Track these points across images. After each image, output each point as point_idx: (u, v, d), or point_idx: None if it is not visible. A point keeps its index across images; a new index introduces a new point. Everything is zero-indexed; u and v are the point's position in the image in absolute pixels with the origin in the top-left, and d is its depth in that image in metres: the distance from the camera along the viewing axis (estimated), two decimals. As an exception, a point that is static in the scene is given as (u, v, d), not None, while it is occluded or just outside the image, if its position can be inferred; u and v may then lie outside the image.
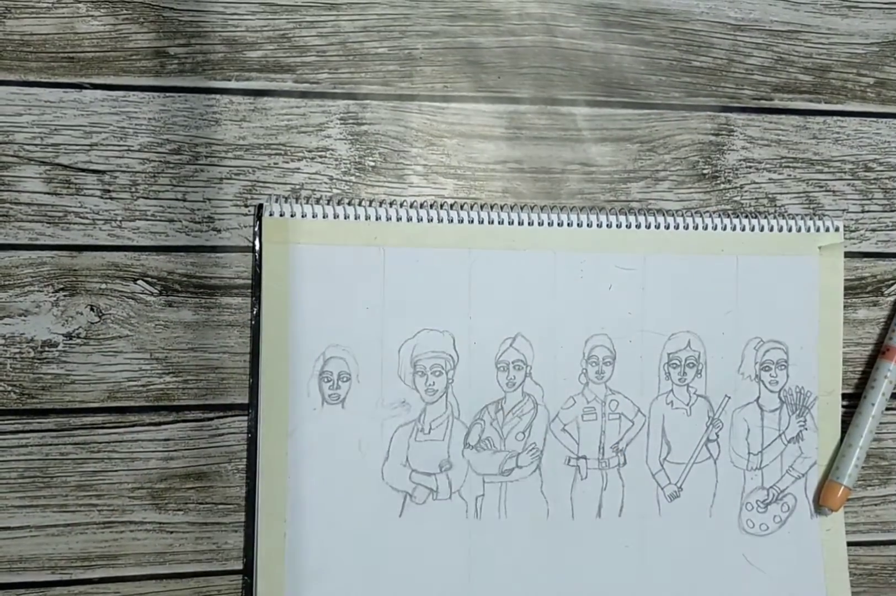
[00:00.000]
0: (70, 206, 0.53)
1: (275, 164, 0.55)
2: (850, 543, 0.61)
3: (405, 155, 0.57)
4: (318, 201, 0.55)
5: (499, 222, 0.56)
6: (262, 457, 0.54)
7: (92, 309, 0.53)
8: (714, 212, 0.60)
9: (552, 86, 0.58)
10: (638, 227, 0.58)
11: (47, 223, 0.53)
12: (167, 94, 0.54)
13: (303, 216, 0.54)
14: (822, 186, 0.61)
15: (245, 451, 0.55)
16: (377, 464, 0.55)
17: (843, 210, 0.62)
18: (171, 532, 0.54)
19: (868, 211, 0.62)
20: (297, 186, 0.55)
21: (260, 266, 0.54)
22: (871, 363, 0.62)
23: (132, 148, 0.54)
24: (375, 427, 0.55)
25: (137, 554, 0.54)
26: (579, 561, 0.57)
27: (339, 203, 0.55)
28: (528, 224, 0.57)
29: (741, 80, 0.60)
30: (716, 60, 0.60)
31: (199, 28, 0.55)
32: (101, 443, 0.54)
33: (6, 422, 0.53)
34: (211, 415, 0.55)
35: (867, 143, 0.62)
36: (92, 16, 0.54)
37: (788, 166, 0.61)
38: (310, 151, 0.56)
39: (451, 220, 0.56)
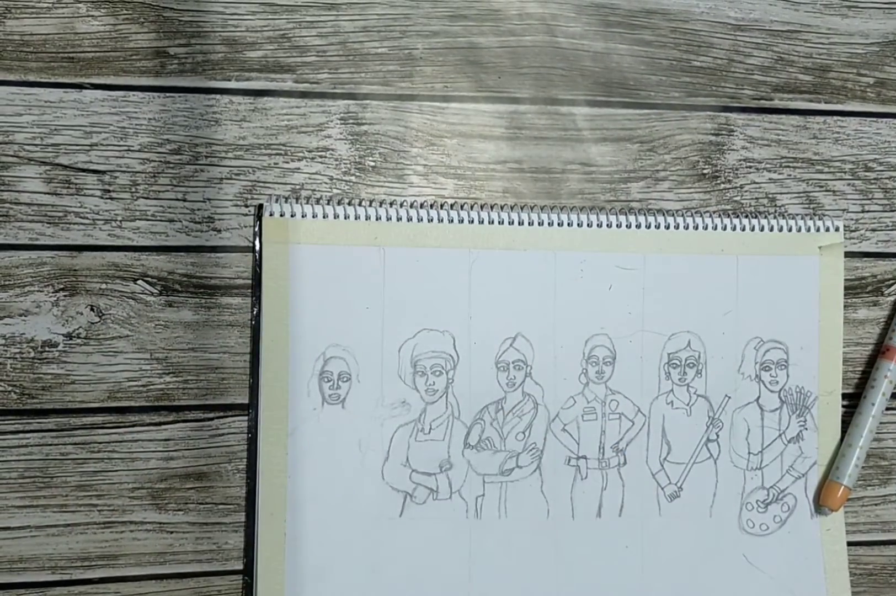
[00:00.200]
0: (70, 207, 0.53)
1: (275, 164, 0.55)
2: (850, 543, 0.61)
3: (405, 155, 0.57)
4: (318, 201, 0.55)
5: (499, 222, 0.56)
6: (262, 457, 0.54)
7: (92, 309, 0.53)
8: (714, 212, 0.60)
9: (552, 86, 0.58)
10: (638, 227, 0.58)
11: (47, 223, 0.53)
12: (167, 94, 0.54)
13: (303, 216, 0.54)
14: (822, 186, 0.61)
15: (245, 451, 0.55)
16: (377, 464, 0.55)
17: (843, 210, 0.62)
18: (172, 532, 0.54)
19: (868, 211, 0.62)
20: (298, 186, 0.55)
21: (260, 266, 0.54)
22: (871, 363, 0.62)
23: (132, 148, 0.54)
24: (375, 427, 0.55)
25: (137, 554, 0.54)
26: (579, 561, 0.57)
27: (339, 203, 0.55)
28: (529, 224, 0.57)
29: (741, 80, 0.60)
30: (716, 60, 0.60)
31: (199, 28, 0.55)
32: (101, 443, 0.53)
33: (6, 422, 0.53)
34: (211, 415, 0.55)
35: (867, 143, 0.62)
36: (92, 16, 0.54)
37: (788, 166, 0.61)
38: (310, 151, 0.56)
39: (451, 220, 0.56)
